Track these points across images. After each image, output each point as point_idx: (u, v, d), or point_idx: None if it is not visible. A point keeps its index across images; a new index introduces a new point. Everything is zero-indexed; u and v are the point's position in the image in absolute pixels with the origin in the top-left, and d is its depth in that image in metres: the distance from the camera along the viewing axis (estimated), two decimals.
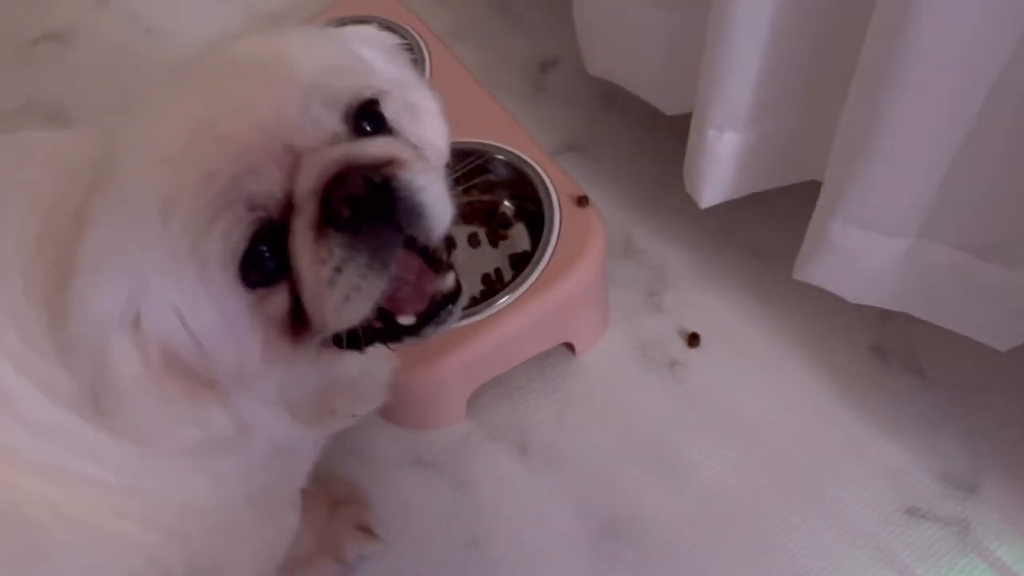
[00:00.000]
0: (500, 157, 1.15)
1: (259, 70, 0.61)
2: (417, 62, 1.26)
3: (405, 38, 1.28)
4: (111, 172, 0.61)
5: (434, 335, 0.67)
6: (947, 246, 0.93)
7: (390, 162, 0.60)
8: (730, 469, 1.06)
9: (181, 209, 0.57)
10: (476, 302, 1.06)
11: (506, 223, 1.19)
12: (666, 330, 1.18)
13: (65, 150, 0.71)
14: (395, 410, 1.08)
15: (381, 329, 0.66)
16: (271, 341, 0.62)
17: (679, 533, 1.02)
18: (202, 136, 0.58)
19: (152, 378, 0.60)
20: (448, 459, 1.09)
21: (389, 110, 0.66)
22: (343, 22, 1.23)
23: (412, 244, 0.63)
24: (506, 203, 1.19)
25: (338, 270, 0.59)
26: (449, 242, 0.67)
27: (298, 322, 0.62)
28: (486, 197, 1.18)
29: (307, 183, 0.59)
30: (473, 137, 1.14)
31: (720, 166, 1.06)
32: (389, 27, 1.28)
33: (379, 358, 0.79)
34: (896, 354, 1.14)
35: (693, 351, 1.16)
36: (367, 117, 0.63)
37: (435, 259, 0.66)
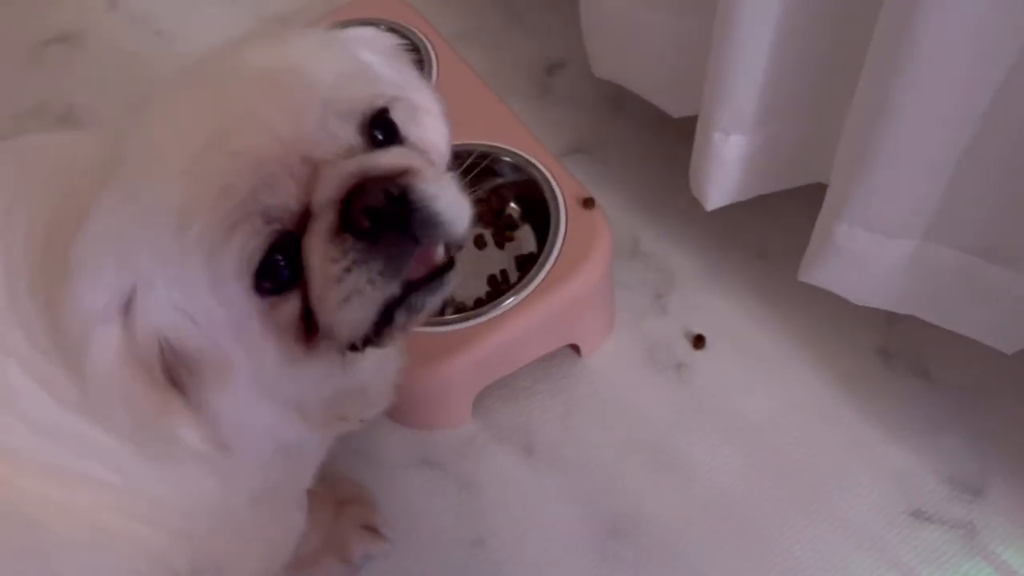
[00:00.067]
0: (507, 159, 1.15)
1: (272, 81, 0.61)
2: (424, 64, 1.26)
3: (412, 41, 1.29)
4: (116, 176, 0.61)
5: (426, 310, 0.65)
6: (953, 248, 0.93)
7: (404, 172, 0.61)
8: (735, 471, 1.06)
9: (198, 220, 0.57)
10: (482, 303, 1.07)
11: (512, 225, 1.19)
12: (672, 332, 1.18)
13: (72, 152, 0.71)
14: (401, 411, 1.09)
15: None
16: (284, 347, 0.63)
17: (684, 534, 1.02)
18: (216, 147, 0.58)
19: (124, 377, 0.60)
20: (454, 459, 1.09)
21: (398, 117, 0.67)
22: (350, 24, 1.24)
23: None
24: (512, 205, 1.20)
25: (347, 270, 0.60)
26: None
27: (309, 328, 0.63)
28: (492, 198, 1.18)
29: (326, 194, 0.59)
30: (480, 139, 1.14)
31: (726, 169, 1.06)
32: (396, 30, 1.29)
33: (388, 360, 0.80)
34: (902, 357, 1.13)
35: (699, 353, 1.16)
36: (378, 125, 0.64)
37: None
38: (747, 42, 0.93)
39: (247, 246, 0.58)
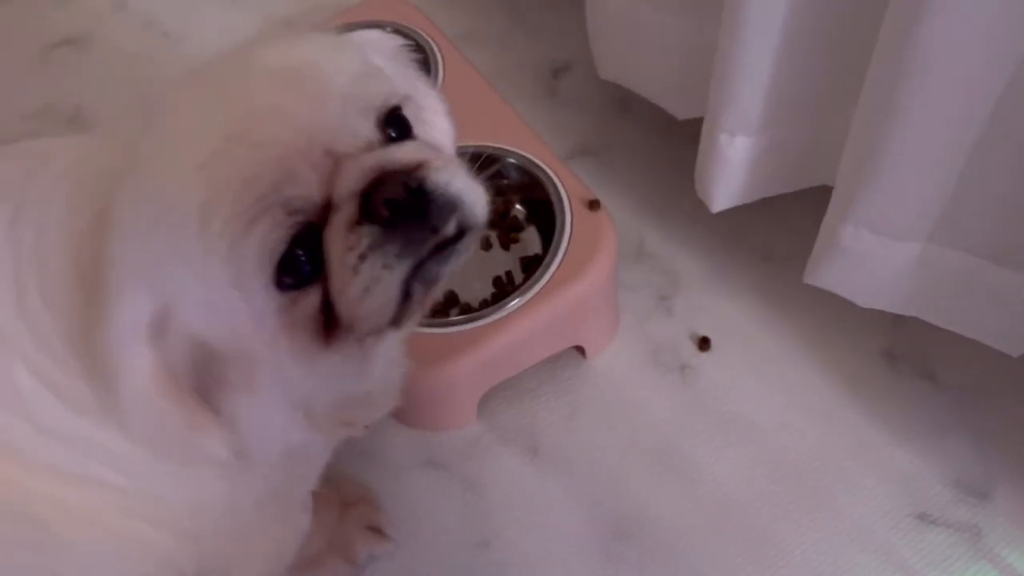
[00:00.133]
0: (512, 161, 1.15)
1: (292, 76, 0.62)
2: (430, 66, 1.27)
3: (418, 42, 1.29)
4: (134, 176, 0.61)
5: (441, 280, 0.66)
6: (959, 251, 0.93)
7: (420, 166, 0.62)
8: (740, 473, 1.06)
9: (220, 214, 0.57)
10: (487, 305, 1.07)
11: (517, 226, 1.20)
12: (677, 334, 1.18)
13: (83, 155, 0.71)
14: (406, 412, 1.09)
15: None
16: (298, 345, 0.63)
17: (688, 536, 1.02)
18: (237, 141, 0.58)
19: (159, 394, 0.61)
20: (458, 461, 1.09)
21: (410, 114, 0.67)
22: (356, 27, 1.24)
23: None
24: (518, 206, 1.20)
25: (363, 257, 0.60)
26: None
27: (328, 323, 0.63)
28: (497, 200, 1.18)
29: (347, 186, 0.60)
30: (485, 141, 1.15)
31: (731, 171, 1.06)
32: (402, 31, 1.29)
33: (394, 365, 0.80)
34: (908, 359, 1.13)
35: (704, 355, 1.16)
36: (391, 123, 0.65)
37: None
38: (753, 44, 0.93)
39: (269, 238, 0.58)
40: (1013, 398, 1.09)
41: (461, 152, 0.75)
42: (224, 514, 0.76)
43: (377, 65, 0.68)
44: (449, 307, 1.12)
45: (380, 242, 0.60)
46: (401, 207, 0.60)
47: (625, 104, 1.39)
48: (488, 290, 1.14)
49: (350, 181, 0.60)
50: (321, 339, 0.63)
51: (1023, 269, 0.90)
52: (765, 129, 1.02)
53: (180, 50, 1.54)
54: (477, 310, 1.07)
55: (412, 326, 0.71)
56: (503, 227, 1.19)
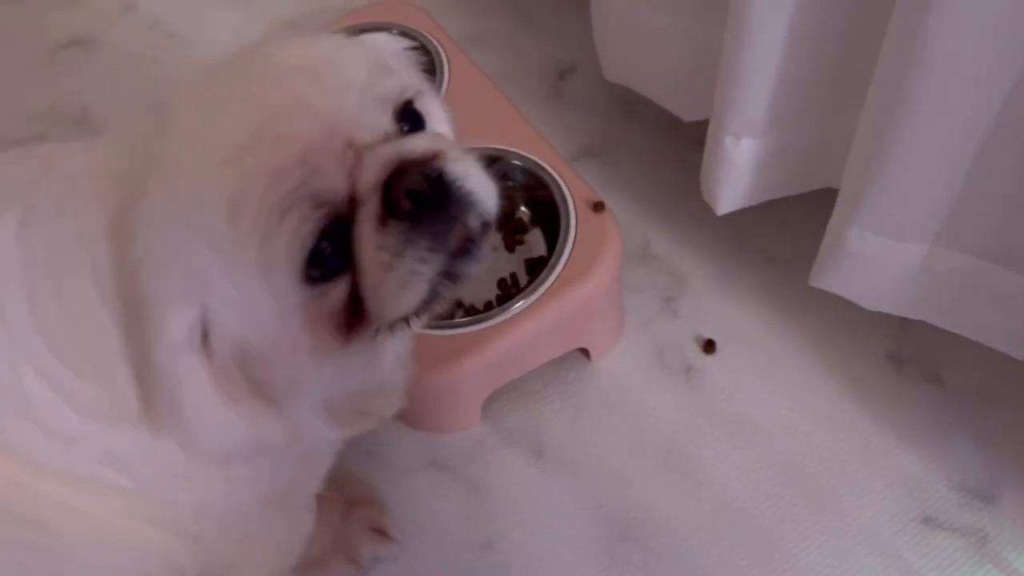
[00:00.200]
0: (517, 162, 1.15)
1: (310, 71, 0.62)
2: (435, 68, 1.27)
3: (424, 44, 1.29)
4: (156, 177, 0.61)
5: (466, 278, 0.66)
6: (965, 253, 0.92)
7: (437, 156, 0.63)
8: (745, 476, 1.06)
9: (249, 209, 0.58)
10: (491, 307, 1.07)
11: (522, 228, 1.20)
12: (682, 336, 1.18)
13: (92, 158, 0.71)
14: (411, 414, 1.09)
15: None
16: (321, 338, 0.63)
17: (692, 539, 1.02)
18: (261, 135, 0.59)
19: (223, 395, 0.62)
20: (463, 462, 1.09)
21: (422, 108, 0.68)
22: (362, 29, 1.24)
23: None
24: (522, 208, 1.20)
25: (398, 255, 0.61)
26: None
27: (352, 316, 0.64)
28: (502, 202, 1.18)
29: (369, 178, 0.61)
30: (490, 142, 1.15)
31: (737, 173, 1.06)
32: (408, 34, 1.29)
33: (405, 354, 0.80)
34: (914, 362, 1.13)
35: (709, 357, 1.16)
36: (405, 116, 0.66)
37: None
38: (758, 46, 0.93)
39: (299, 231, 0.59)
40: (1019, 401, 1.08)
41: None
42: (227, 515, 0.77)
43: (389, 62, 0.69)
44: (453, 308, 1.12)
45: (412, 238, 0.61)
46: (422, 197, 0.61)
47: (630, 106, 1.39)
48: (493, 292, 1.14)
49: (371, 173, 0.61)
50: (342, 333, 0.64)
51: None
52: (770, 132, 1.02)
53: (187, 52, 1.54)
54: (482, 312, 1.07)
55: (425, 320, 0.72)
56: (508, 229, 1.19)
